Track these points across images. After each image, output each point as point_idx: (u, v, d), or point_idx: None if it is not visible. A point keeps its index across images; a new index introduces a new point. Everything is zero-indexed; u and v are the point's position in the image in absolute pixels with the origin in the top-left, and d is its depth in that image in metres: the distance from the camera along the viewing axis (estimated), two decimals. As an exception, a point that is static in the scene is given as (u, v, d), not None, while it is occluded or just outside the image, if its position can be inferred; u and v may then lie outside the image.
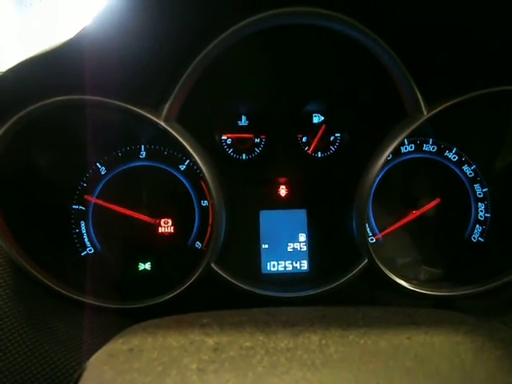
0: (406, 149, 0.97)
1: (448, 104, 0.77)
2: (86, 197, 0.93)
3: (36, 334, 0.69)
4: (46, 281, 0.78)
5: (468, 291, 0.84)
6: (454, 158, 0.97)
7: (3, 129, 0.72)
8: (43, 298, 0.78)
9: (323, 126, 0.98)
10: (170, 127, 0.80)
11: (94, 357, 0.48)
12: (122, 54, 0.72)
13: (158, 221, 0.95)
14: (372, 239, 0.96)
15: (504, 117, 0.91)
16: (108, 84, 0.75)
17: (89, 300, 0.81)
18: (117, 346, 0.49)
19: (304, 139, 0.99)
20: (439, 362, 0.44)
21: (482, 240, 0.96)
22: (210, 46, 0.78)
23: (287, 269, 0.97)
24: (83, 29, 0.63)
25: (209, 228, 0.95)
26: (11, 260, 0.75)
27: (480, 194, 0.97)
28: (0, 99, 0.70)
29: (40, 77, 0.69)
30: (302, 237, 0.98)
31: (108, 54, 0.70)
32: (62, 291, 0.79)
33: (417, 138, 0.97)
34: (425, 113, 0.80)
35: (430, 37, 0.76)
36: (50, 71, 0.68)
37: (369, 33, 0.75)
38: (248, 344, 0.47)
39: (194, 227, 0.96)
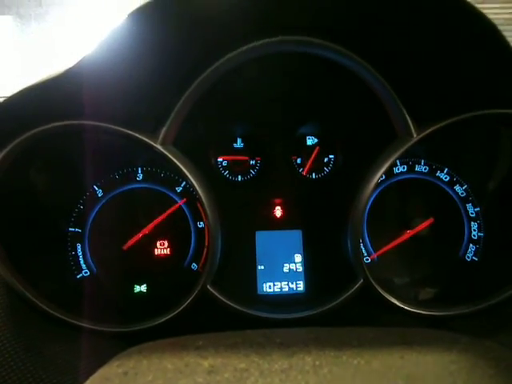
0: (398, 170, 0.99)
1: (437, 127, 0.79)
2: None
3: (30, 357, 0.69)
4: (40, 304, 0.77)
5: (462, 310, 0.83)
6: (446, 178, 0.99)
7: (2, 154, 0.73)
8: (38, 321, 0.77)
9: (317, 148, 1.00)
10: (167, 151, 0.81)
11: (88, 381, 0.48)
12: (121, 81, 0.74)
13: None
14: (367, 259, 0.97)
15: (493, 138, 0.93)
16: (106, 110, 0.77)
17: (84, 323, 0.80)
18: (112, 369, 0.49)
19: (298, 161, 1.01)
20: (432, 381, 0.44)
21: (476, 259, 0.97)
22: (206, 73, 0.80)
23: (283, 290, 0.97)
24: (83, 58, 0.65)
25: (205, 249, 0.96)
26: (5, 282, 0.75)
27: (472, 214, 0.98)
28: (0, 125, 0.71)
29: (39, 104, 0.70)
30: (298, 257, 0.98)
31: (107, 82, 0.72)
32: (57, 314, 0.78)
33: (409, 159, 0.99)
34: (414, 135, 0.81)
35: (417, 62, 0.78)
36: (49, 99, 0.70)
37: (357, 59, 0.77)
38: (243, 366, 0.47)
39: (190, 249, 0.96)
